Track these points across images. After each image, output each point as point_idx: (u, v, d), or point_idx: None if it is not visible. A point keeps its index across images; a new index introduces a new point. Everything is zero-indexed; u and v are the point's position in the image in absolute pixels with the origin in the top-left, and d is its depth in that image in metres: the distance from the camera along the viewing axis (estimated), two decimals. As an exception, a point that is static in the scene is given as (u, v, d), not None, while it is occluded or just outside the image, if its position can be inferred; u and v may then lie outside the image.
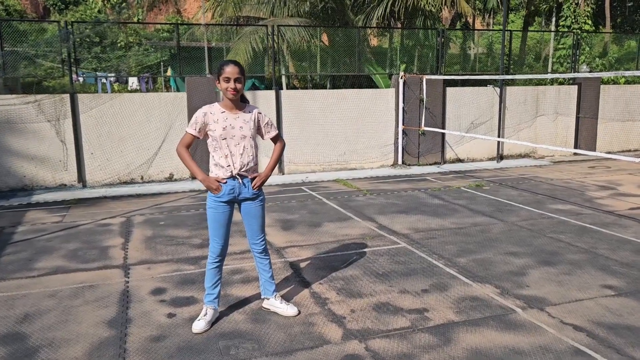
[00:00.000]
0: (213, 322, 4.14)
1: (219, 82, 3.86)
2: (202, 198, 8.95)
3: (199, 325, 4.04)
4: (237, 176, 3.96)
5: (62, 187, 9.86)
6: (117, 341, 3.91)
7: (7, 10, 32.64)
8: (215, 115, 3.90)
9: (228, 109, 3.94)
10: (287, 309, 4.30)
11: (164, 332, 4.05)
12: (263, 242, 4.24)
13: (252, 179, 4.04)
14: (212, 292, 4.16)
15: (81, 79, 20.60)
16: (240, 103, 3.99)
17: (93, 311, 4.45)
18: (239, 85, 3.84)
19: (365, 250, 6.00)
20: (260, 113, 4.07)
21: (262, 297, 4.43)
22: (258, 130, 4.09)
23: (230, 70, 3.80)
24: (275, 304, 4.34)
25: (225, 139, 3.88)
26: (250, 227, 4.17)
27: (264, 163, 4.27)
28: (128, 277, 5.24)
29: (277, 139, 4.22)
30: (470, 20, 22.44)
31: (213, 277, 4.15)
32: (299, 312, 4.34)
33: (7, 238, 6.71)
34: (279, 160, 4.31)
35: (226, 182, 3.95)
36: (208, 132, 3.94)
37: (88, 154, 9.95)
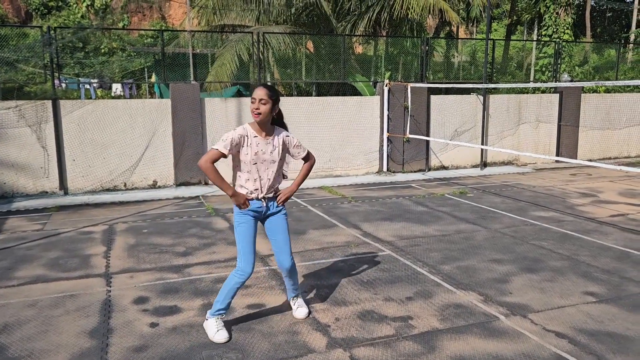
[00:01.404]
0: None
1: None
2: (185, 205, 8.89)
3: (223, 335, 3.99)
4: (263, 199, 4.00)
5: (44, 194, 9.72)
6: (99, 352, 3.85)
7: (-12, 14, 32.19)
8: (249, 140, 3.91)
9: (259, 133, 3.93)
10: (295, 312, 4.43)
11: (146, 342, 4.00)
12: (290, 260, 4.19)
13: (277, 195, 4.11)
14: (225, 307, 4.08)
15: (64, 85, 20.37)
16: (270, 127, 3.98)
17: (74, 321, 4.38)
18: (262, 107, 3.82)
19: (350, 257, 6.01)
20: (287, 136, 4.07)
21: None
22: (288, 152, 4.11)
23: (258, 93, 3.83)
24: (292, 305, 4.49)
25: (256, 163, 3.91)
26: (275, 242, 4.16)
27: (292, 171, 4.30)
28: (110, 286, 5.17)
29: (308, 158, 4.24)
30: (454, 28, 22.70)
31: (234, 295, 4.06)
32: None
33: (-14, 246, 6.59)
34: (306, 177, 4.31)
35: (253, 200, 3.99)
36: (239, 156, 3.92)
37: (70, 161, 9.83)
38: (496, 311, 4.52)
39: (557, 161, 13.31)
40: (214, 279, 5.32)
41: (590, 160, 13.51)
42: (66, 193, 9.83)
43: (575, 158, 13.59)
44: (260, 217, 4.09)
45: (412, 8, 13.34)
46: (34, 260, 5.99)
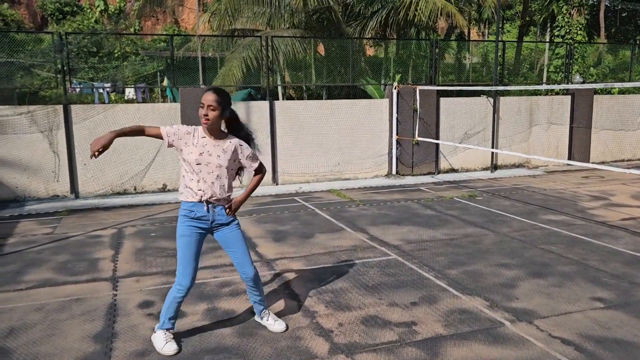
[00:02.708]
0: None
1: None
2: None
3: (171, 347, 3.88)
4: (206, 203, 3.83)
5: (55, 198, 9.84)
6: (102, 356, 3.88)
7: (4, 20, 32.73)
8: (196, 139, 3.79)
9: (208, 136, 3.81)
10: (274, 325, 4.26)
11: (149, 346, 4.01)
12: (253, 269, 4.05)
13: (227, 207, 3.94)
14: (170, 321, 3.97)
15: (78, 89, 20.61)
16: (221, 132, 3.86)
17: (79, 325, 4.41)
18: (211, 114, 3.70)
19: (356, 262, 5.99)
20: (241, 145, 3.89)
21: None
22: (240, 163, 3.95)
23: (207, 97, 3.70)
24: (263, 322, 4.31)
25: (200, 164, 3.77)
26: (234, 255, 4.01)
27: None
28: (116, 290, 5.21)
29: (259, 170, 4.08)
30: (465, 30, 22.57)
31: (176, 310, 3.95)
32: (287, 328, 4.29)
33: (-4, 250, 6.68)
34: (256, 188, 4.13)
35: (196, 203, 3.83)
36: (182, 155, 3.81)
37: (81, 165, 9.93)
38: (501, 317, 4.47)
39: (568, 164, 13.15)
40: (219, 283, 5.34)
41: (602, 163, 13.34)
42: (77, 197, 9.94)
43: (588, 160, 13.44)
44: (208, 228, 3.90)
45: (420, 11, 13.30)
46: (42, 264, 6.06)
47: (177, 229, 3.92)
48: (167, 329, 3.97)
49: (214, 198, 3.84)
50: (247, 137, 4.02)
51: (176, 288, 3.87)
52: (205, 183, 3.80)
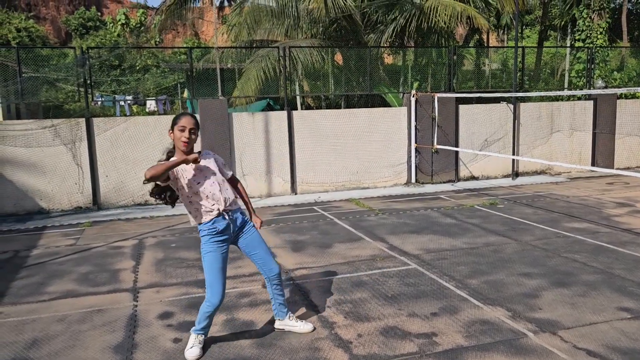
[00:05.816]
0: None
1: (172, 132, 3.80)
2: (214, 219, 8.98)
3: (194, 353, 3.99)
4: (224, 213, 3.92)
5: (78, 209, 10.00)
6: (122, 367, 3.90)
7: (30, 36, 33.58)
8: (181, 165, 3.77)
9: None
10: (303, 326, 4.37)
11: (169, 357, 4.03)
12: (278, 266, 4.21)
13: (242, 212, 4.08)
14: (203, 330, 4.08)
15: (100, 102, 21.02)
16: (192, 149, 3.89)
17: (100, 336, 4.46)
18: (193, 136, 3.78)
19: (375, 271, 5.94)
20: (214, 155, 4.08)
21: (275, 318, 4.46)
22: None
23: (186, 120, 3.76)
24: (290, 323, 4.40)
25: (200, 182, 3.84)
26: (257, 256, 4.12)
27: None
28: (137, 301, 5.26)
29: (234, 178, 4.23)
30: (484, 36, 22.41)
31: (207, 320, 4.04)
32: (315, 328, 4.40)
33: (21, 262, 6.80)
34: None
35: (217, 218, 3.88)
36: (180, 183, 3.80)
37: (103, 177, 10.09)
38: (524, 328, 4.38)
39: (592, 170, 12.90)
40: (239, 294, 5.34)
41: (627, 169, 13.06)
42: (99, 208, 10.09)
43: (612, 166, 13.16)
44: (231, 238, 4.00)
45: (440, 16, 13.24)
46: (65, 275, 6.15)
47: (201, 249, 3.97)
48: (199, 334, 4.08)
49: (228, 204, 3.94)
50: None
51: (206, 304, 3.96)
52: (214, 196, 3.87)
